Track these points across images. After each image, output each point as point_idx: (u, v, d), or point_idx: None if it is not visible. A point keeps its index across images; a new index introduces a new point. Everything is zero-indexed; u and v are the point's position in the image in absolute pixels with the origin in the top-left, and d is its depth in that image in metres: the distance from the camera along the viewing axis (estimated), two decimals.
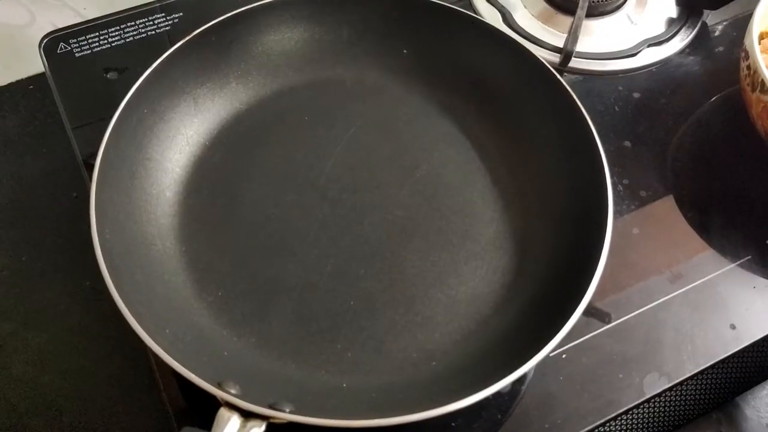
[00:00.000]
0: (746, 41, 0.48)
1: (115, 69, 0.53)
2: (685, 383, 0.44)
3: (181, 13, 0.56)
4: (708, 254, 0.48)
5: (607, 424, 0.42)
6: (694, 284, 0.46)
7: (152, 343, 0.35)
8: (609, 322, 0.44)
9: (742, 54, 0.49)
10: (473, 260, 0.45)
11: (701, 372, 0.43)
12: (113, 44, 0.54)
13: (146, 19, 0.55)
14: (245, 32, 0.50)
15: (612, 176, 0.43)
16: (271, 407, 0.34)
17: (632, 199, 0.50)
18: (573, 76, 0.56)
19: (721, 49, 0.58)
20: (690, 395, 0.49)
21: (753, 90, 0.47)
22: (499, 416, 0.41)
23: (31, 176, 0.53)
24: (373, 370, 0.41)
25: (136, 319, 0.35)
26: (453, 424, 0.41)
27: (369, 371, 0.41)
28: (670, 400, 0.49)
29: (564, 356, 0.43)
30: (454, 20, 0.51)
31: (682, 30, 0.59)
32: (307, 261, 0.44)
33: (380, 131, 0.50)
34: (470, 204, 0.47)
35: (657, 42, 0.58)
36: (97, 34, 0.54)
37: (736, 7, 0.59)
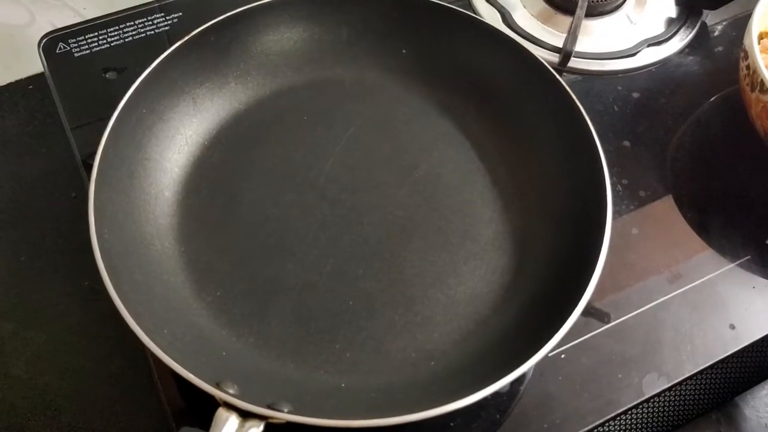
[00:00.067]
0: (745, 41, 0.48)
1: (114, 69, 0.53)
2: (685, 383, 0.44)
3: (180, 13, 0.56)
4: (707, 254, 0.48)
5: (606, 424, 0.42)
6: (693, 284, 0.46)
7: (150, 343, 0.35)
8: (608, 322, 0.44)
9: (742, 54, 0.49)
10: (472, 260, 0.45)
11: (700, 372, 0.43)
12: (112, 44, 0.54)
13: (145, 19, 0.55)
14: (244, 32, 0.50)
15: (611, 176, 0.43)
16: (270, 407, 0.34)
17: (631, 199, 0.50)
18: (572, 76, 0.56)
19: (720, 49, 0.58)
20: (689, 395, 0.49)
21: (752, 90, 0.47)
22: (498, 416, 0.41)
23: (30, 176, 0.53)
24: (372, 370, 0.41)
25: (134, 319, 0.35)
26: (452, 424, 0.41)
27: (368, 371, 0.41)
28: (670, 400, 0.49)
29: (563, 356, 0.43)
30: (454, 20, 0.51)
31: (682, 30, 0.59)
32: (306, 261, 0.44)
33: (379, 131, 0.50)
34: (469, 204, 0.47)
35: (656, 42, 0.58)
36: (97, 34, 0.54)
37: (736, 7, 0.59)
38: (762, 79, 0.46)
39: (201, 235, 0.45)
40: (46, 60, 0.53)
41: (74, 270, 0.48)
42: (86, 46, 0.54)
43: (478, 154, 0.49)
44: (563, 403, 0.41)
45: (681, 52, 0.58)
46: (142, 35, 0.55)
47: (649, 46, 0.57)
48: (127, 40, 0.54)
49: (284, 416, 0.33)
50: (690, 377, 0.43)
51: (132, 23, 0.55)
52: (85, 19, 0.55)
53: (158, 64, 0.45)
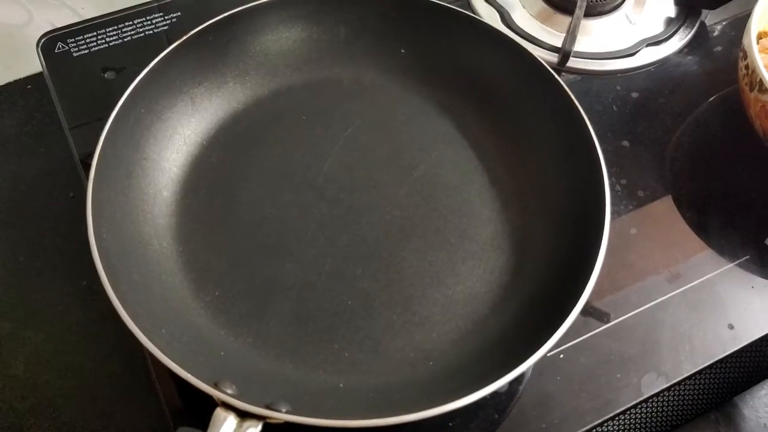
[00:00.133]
0: (744, 41, 0.48)
1: (112, 68, 0.53)
2: (683, 383, 0.44)
3: (179, 13, 0.56)
4: (706, 254, 0.48)
5: (605, 424, 0.42)
6: (692, 284, 0.46)
7: (149, 343, 0.35)
8: (607, 322, 0.44)
9: (741, 54, 0.49)
10: (471, 260, 0.45)
11: (699, 372, 0.43)
12: (111, 44, 0.54)
13: (144, 19, 0.55)
14: (243, 32, 0.50)
15: (610, 176, 0.43)
16: (268, 407, 0.34)
17: (630, 198, 0.50)
18: (571, 76, 0.56)
19: (719, 48, 0.58)
20: (688, 395, 0.49)
21: (751, 89, 0.47)
22: (497, 416, 0.41)
23: (29, 176, 0.53)
24: (371, 370, 0.41)
25: (132, 319, 0.35)
26: (450, 424, 0.41)
27: (366, 371, 0.41)
28: (668, 400, 0.49)
29: (562, 356, 0.43)
30: (453, 20, 0.51)
31: (681, 30, 0.59)
32: (305, 261, 0.44)
33: (378, 131, 0.50)
34: (468, 204, 0.47)
35: (655, 42, 0.58)
36: (95, 33, 0.54)
37: (735, 7, 0.59)
38: (761, 79, 0.46)
39: (199, 235, 0.45)
40: (44, 60, 0.53)
41: (73, 270, 0.48)
42: (85, 46, 0.54)
43: (476, 153, 0.49)
44: (562, 403, 0.41)
45: (680, 51, 0.58)
46: (141, 35, 0.55)
47: (648, 45, 0.57)
48: (125, 39, 0.54)
49: (282, 416, 0.33)
50: (689, 377, 0.43)
51: (130, 23, 0.55)
52: (84, 18, 0.55)
53: (156, 63, 0.45)
